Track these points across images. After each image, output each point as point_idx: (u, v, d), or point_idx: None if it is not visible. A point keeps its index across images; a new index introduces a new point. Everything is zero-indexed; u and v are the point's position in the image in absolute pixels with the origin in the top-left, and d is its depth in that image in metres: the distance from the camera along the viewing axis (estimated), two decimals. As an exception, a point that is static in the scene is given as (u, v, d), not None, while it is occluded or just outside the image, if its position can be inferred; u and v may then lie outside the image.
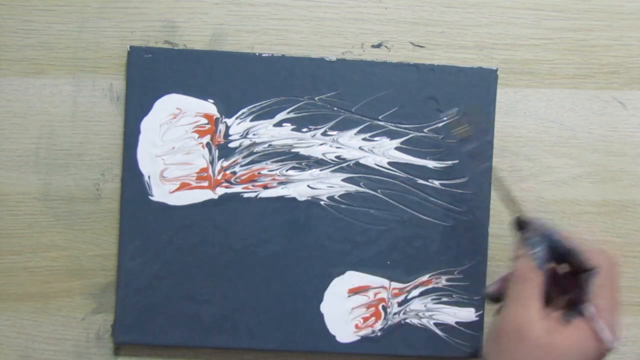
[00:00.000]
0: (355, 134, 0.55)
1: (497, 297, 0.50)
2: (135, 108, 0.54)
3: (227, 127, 0.54)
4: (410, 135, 0.55)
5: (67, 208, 0.55)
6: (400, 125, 0.55)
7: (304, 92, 0.55)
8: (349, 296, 0.55)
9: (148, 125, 0.54)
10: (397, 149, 0.55)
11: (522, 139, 0.57)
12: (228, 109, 0.54)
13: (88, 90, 0.55)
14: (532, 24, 0.57)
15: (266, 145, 0.55)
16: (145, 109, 0.54)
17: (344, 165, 0.55)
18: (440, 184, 0.55)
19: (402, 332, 0.55)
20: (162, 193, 0.54)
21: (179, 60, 0.54)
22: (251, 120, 0.55)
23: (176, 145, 0.54)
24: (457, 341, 0.55)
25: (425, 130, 0.55)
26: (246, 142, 0.55)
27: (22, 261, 0.55)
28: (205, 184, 0.54)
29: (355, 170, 0.55)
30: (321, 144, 0.55)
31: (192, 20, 0.56)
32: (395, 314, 0.55)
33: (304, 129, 0.55)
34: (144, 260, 0.54)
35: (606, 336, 0.43)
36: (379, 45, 0.56)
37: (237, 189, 0.54)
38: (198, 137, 0.54)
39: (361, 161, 0.55)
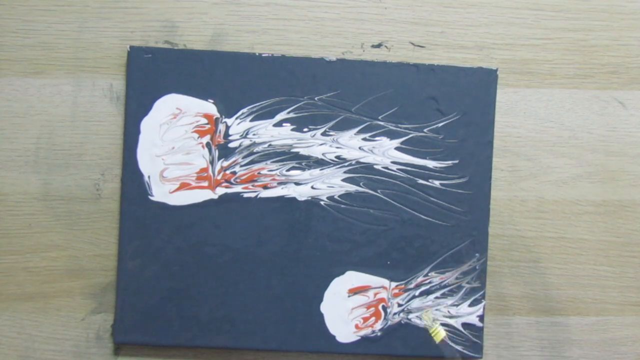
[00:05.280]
0: (355, 134, 0.55)
1: None
2: (135, 108, 0.54)
3: (227, 127, 0.54)
4: (410, 135, 0.55)
5: (67, 208, 0.55)
6: (400, 125, 0.55)
7: (304, 92, 0.55)
8: (349, 296, 0.55)
9: (148, 125, 0.54)
10: (397, 149, 0.55)
11: (522, 139, 0.57)
12: (228, 109, 0.54)
13: (88, 90, 0.55)
14: (532, 24, 0.57)
15: (266, 145, 0.55)
16: (145, 109, 0.54)
17: (344, 165, 0.55)
18: (440, 184, 0.55)
19: (402, 332, 0.55)
20: (162, 193, 0.54)
21: (179, 60, 0.54)
22: (251, 120, 0.55)
23: (176, 145, 0.54)
24: (456, 341, 0.55)
25: (425, 130, 0.55)
26: (246, 142, 0.55)
27: (22, 261, 0.55)
28: (205, 184, 0.54)
29: (355, 170, 0.55)
30: (321, 144, 0.55)
31: (192, 20, 0.56)
32: (395, 314, 0.55)
33: (304, 129, 0.55)
34: (144, 260, 0.54)
35: None
36: (379, 45, 0.56)
37: (237, 189, 0.54)
38: (198, 137, 0.54)
39: (361, 161, 0.55)
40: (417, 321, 0.55)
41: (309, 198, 0.55)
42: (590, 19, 0.57)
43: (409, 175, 0.55)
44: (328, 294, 0.55)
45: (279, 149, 0.55)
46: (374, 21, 0.56)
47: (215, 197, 0.54)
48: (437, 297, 0.55)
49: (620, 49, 0.57)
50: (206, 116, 0.54)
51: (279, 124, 0.55)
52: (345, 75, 0.55)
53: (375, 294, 0.55)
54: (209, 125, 0.54)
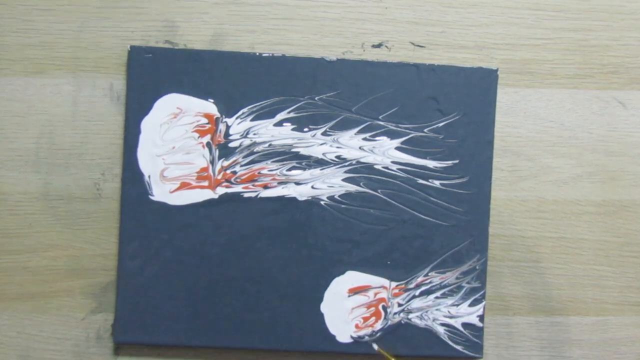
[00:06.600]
0: (355, 134, 0.55)
1: None
2: (136, 108, 0.54)
3: (228, 127, 0.54)
4: (411, 135, 0.55)
5: (67, 208, 0.55)
6: (400, 125, 0.55)
7: (304, 92, 0.55)
8: (349, 296, 0.55)
9: (148, 124, 0.54)
10: (397, 148, 0.55)
11: (522, 139, 0.57)
12: (228, 108, 0.54)
13: (88, 90, 0.55)
14: (532, 24, 0.57)
15: (266, 145, 0.55)
16: (146, 109, 0.54)
17: (345, 165, 0.55)
18: (440, 184, 0.55)
19: (402, 332, 0.55)
20: (162, 193, 0.54)
21: (179, 60, 0.54)
22: (251, 120, 0.55)
23: (176, 145, 0.54)
24: (457, 341, 0.55)
25: (425, 130, 0.55)
26: (246, 141, 0.55)
27: (22, 261, 0.55)
28: (206, 183, 0.54)
29: (356, 170, 0.55)
30: (321, 144, 0.55)
31: (192, 20, 0.56)
32: (395, 313, 0.55)
33: (305, 129, 0.55)
34: (144, 260, 0.54)
35: None
36: (379, 45, 0.56)
37: (238, 188, 0.54)
38: (198, 137, 0.54)
39: (361, 161, 0.55)
40: (417, 321, 0.55)
41: (309, 198, 0.55)
42: (590, 19, 0.57)
43: (409, 175, 0.55)
44: (328, 294, 0.55)
45: (279, 149, 0.55)
46: (374, 21, 0.56)
47: (216, 196, 0.54)
48: (437, 297, 0.55)
49: (620, 49, 0.57)
50: (206, 116, 0.54)
51: (279, 124, 0.55)
52: (346, 75, 0.55)
53: (376, 294, 0.55)
54: (209, 125, 0.54)
